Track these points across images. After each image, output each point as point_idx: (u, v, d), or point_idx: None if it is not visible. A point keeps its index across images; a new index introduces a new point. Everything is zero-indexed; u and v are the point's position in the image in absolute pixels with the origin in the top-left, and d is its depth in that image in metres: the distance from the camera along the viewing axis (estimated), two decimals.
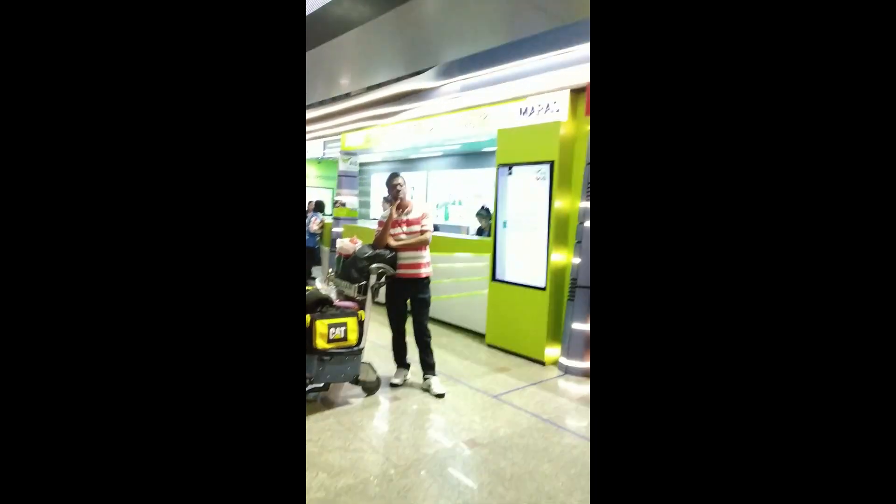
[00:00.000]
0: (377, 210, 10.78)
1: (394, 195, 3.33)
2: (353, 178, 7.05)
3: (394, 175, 3.36)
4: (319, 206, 7.46)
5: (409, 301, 3.36)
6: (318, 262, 7.77)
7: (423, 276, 3.30)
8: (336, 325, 2.93)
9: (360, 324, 3.07)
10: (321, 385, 2.97)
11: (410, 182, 11.46)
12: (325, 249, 7.17)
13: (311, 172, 10.79)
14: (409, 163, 10.17)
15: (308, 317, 2.85)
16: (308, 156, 8.32)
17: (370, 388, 3.20)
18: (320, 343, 2.85)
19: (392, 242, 3.28)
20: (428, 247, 3.33)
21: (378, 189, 10.79)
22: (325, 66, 4.65)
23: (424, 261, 3.32)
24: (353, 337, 3.01)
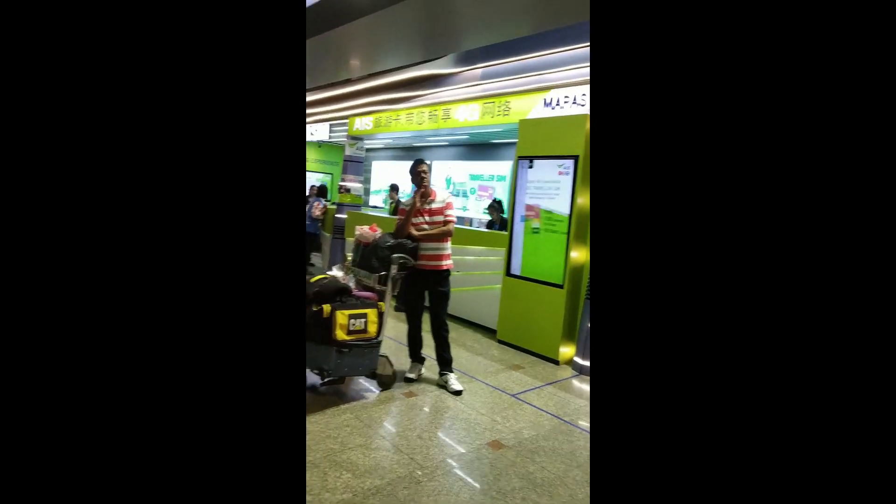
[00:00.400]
0: (376, 198, 10.61)
1: (418, 182, 3.18)
2: (359, 164, 6.87)
3: (419, 161, 3.22)
4: (322, 192, 7.26)
5: (426, 294, 3.24)
6: (318, 249, 7.60)
7: (444, 268, 3.18)
8: (356, 317, 2.80)
9: (380, 315, 2.94)
10: (336, 378, 2.84)
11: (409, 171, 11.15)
12: (327, 236, 7.00)
13: (311, 156, 10.57)
14: (413, 151, 10.00)
15: (328, 307, 2.72)
16: (311, 139, 8.09)
17: (386, 383, 3.09)
18: (340, 334, 2.72)
19: (414, 232, 3.14)
20: (450, 238, 3.21)
21: (379, 176, 10.60)
22: (337, 49, 4.48)
23: (446, 252, 3.19)
24: (372, 329, 2.89)
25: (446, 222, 3.15)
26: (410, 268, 3.12)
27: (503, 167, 7.89)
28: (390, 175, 10.67)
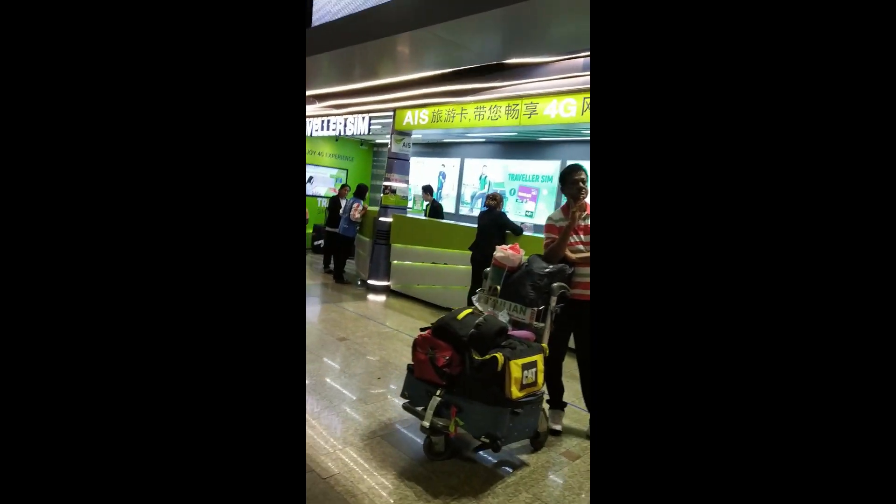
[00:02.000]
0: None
1: (575, 194, 2.60)
2: (406, 163, 6.20)
3: (576, 168, 2.63)
4: (361, 192, 6.56)
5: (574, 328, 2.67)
6: (352, 255, 6.91)
7: None
8: (528, 366, 2.21)
9: (545, 361, 2.36)
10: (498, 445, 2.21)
11: (437, 169, 10.61)
12: (365, 241, 6.33)
13: (325, 150, 9.83)
14: (442, 147, 9.37)
15: (500, 355, 2.11)
16: (348, 133, 7.38)
17: (541, 441, 2.51)
18: (514, 391, 2.12)
19: (570, 255, 2.56)
20: None
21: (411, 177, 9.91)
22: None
23: None
24: (540, 379, 2.30)
25: None
26: (567, 299, 2.54)
27: (549, 167, 7.37)
28: (413, 173, 10.00)
